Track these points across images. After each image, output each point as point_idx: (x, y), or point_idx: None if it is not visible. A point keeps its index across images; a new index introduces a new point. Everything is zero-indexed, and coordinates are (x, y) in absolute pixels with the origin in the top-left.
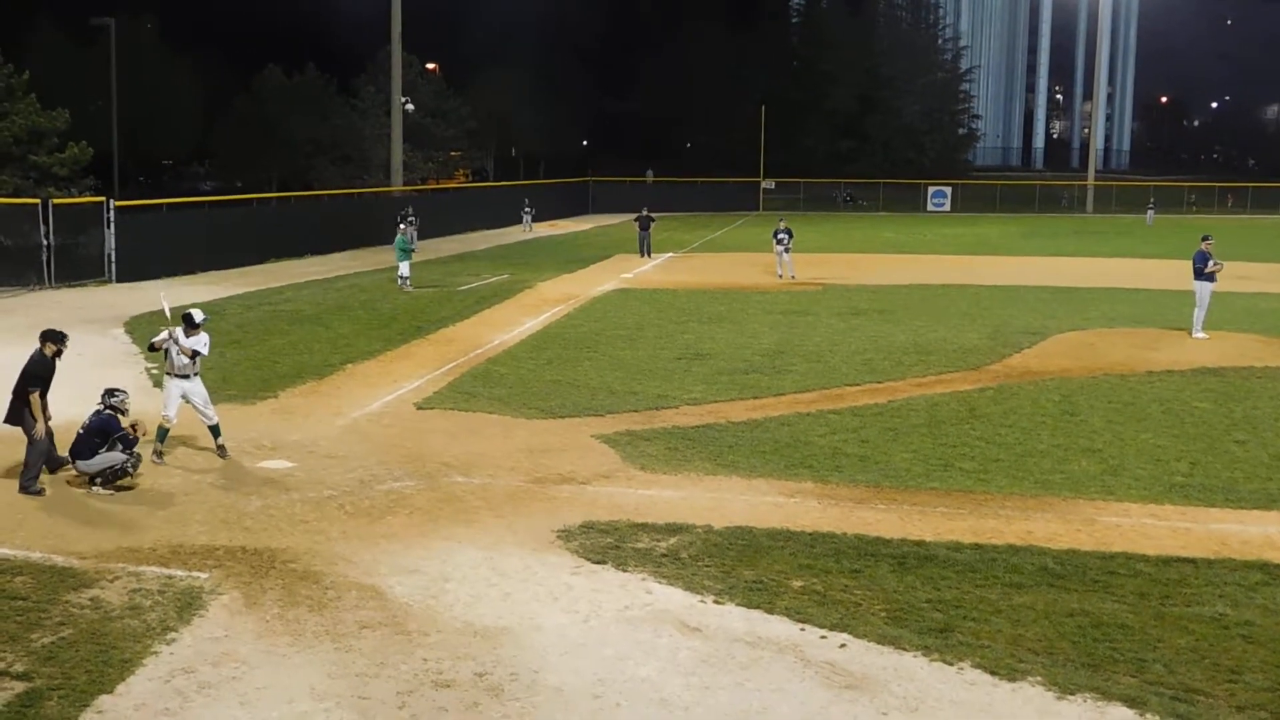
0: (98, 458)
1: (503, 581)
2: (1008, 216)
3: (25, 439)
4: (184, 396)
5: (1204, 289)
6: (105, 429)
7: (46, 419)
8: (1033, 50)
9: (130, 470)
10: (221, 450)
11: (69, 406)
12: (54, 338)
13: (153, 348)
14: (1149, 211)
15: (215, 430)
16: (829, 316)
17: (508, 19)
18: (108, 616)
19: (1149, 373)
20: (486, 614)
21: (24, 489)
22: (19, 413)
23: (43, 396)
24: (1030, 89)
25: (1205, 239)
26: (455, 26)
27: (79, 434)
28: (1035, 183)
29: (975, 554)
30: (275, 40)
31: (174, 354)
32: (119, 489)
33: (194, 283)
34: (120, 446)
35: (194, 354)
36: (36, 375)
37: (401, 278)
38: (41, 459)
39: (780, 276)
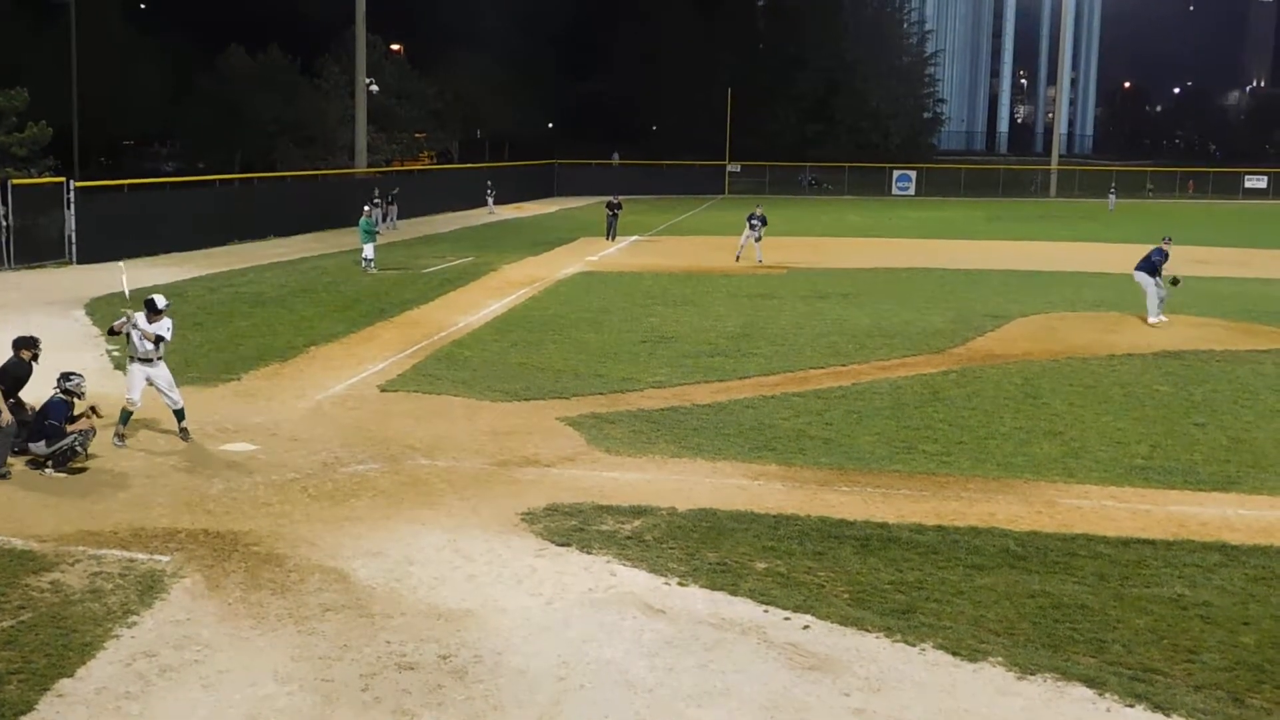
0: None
1: (467, 564)
2: (972, 200)
3: None
4: (148, 380)
5: (1147, 279)
6: (50, 413)
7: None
8: (997, 35)
9: (80, 450)
10: (184, 434)
11: (29, 391)
12: (27, 343)
13: (113, 332)
14: (1110, 196)
15: (180, 414)
16: (793, 300)
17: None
18: (68, 600)
19: (1110, 356)
20: (450, 596)
21: None
22: None
23: (9, 394)
24: (995, 74)
25: (1166, 240)
26: (420, 7)
27: (34, 416)
28: (999, 167)
29: (938, 536)
30: (238, 20)
31: (136, 339)
32: (71, 471)
33: (156, 264)
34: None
35: (158, 339)
36: (13, 376)
37: (365, 260)
38: (8, 448)
39: (738, 259)
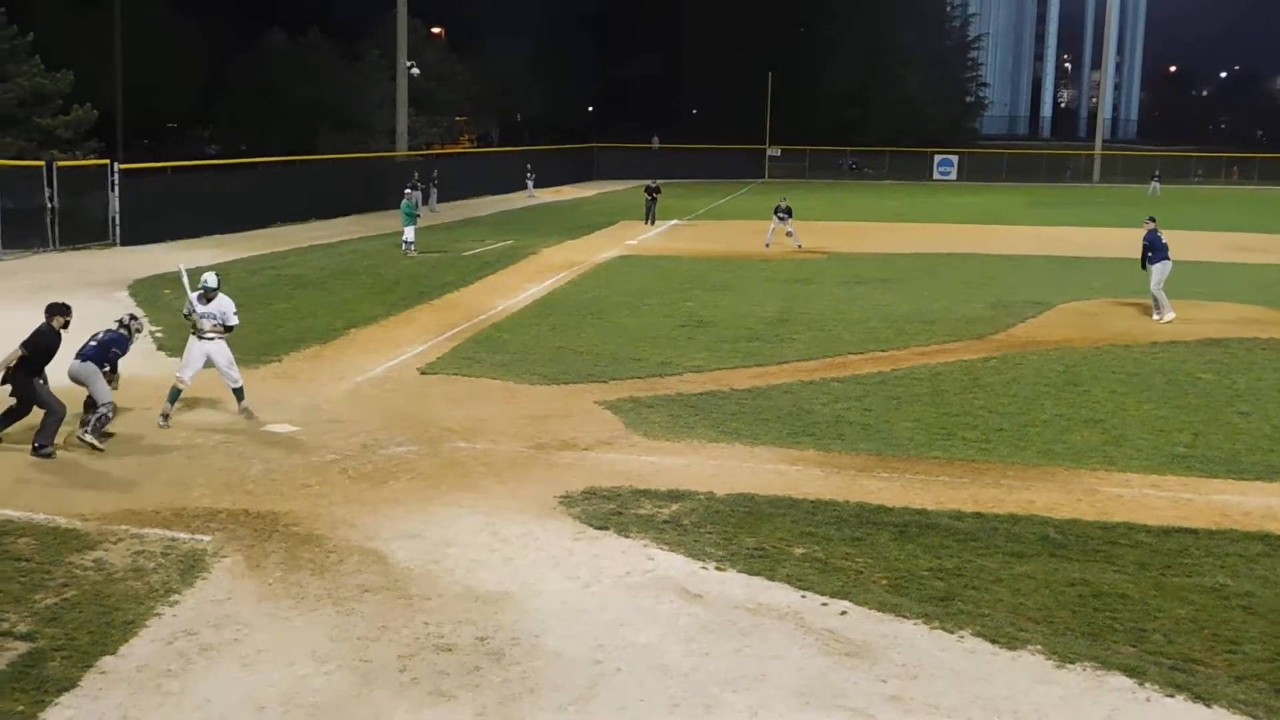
0: (98, 372)
1: (504, 547)
2: (1013, 185)
3: (42, 407)
4: (207, 358)
5: (1160, 269)
6: (114, 344)
7: (37, 379)
8: (1042, 19)
9: (110, 417)
10: (246, 413)
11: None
12: (60, 310)
13: (187, 318)
14: (1153, 183)
15: (239, 393)
16: (832, 285)
17: None
18: (110, 578)
19: (1152, 343)
20: (488, 579)
21: (36, 450)
22: (22, 382)
23: (37, 366)
24: (1039, 57)
25: (1151, 220)
26: None
27: (89, 344)
28: (1042, 151)
29: (977, 523)
30: (279, 3)
31: (197, 315)
32: (105, 435)
33: (197, 246)
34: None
35: (227, 329)
36: (40, 347)
37: (406, 243)
38: (58, 426)
39: (767, 245)
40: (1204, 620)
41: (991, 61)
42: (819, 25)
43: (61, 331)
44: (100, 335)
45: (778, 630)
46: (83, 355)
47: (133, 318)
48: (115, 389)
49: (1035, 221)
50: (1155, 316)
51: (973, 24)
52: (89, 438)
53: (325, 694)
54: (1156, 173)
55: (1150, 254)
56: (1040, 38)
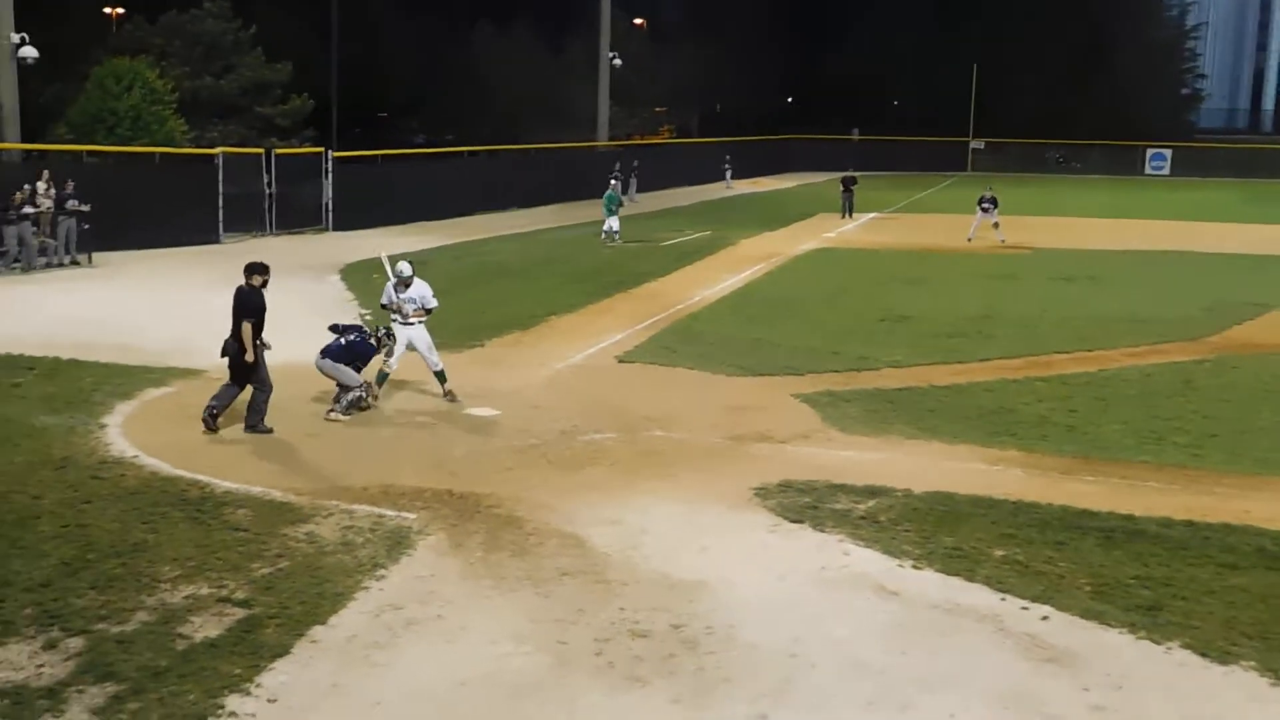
0: (341, 366)
1: (700, 536)
2: (1232, 181)
3: (251, 383)
4: (409, 343)
5: None
6: (359, 353)
7: (263, 347)
8: (1266, 8)
9: (365, 398)
10: (449, 396)
11: (290, 349)
12: (258, 269)
13: (385, 308)
14: None
15: (441, 376)
16: (1037, 281)
17: None
18: (322, 551)
19: None
20: (683, 567)
21: (251, 428)
22: (232, 347)
23: (257, 329)
24: (1261, 48)
25: None
26: None
27: (337, 342)
28: (1264, 146)
29: (1187, 531)
30: None
31: (399, 301)
32: (361, 409)
33: (405, 233)
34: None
35: (426, 311)
36: (247, 306)
37: (607, 232)
38: (267, 402)
39: (970, 240)
40: None
41: (1210, 52)
42: (1029, 14)
43: (263, 291)
44: (351, 338)
45: (976, 632)
46: (326, 352)
47: (388, 334)
48: (390, 368)
49: (1255, 219)
50: None
51: (1190, 13)
52: (335, 415)
53: (524, 673)
54: None
55: None
56: (1264, 26)
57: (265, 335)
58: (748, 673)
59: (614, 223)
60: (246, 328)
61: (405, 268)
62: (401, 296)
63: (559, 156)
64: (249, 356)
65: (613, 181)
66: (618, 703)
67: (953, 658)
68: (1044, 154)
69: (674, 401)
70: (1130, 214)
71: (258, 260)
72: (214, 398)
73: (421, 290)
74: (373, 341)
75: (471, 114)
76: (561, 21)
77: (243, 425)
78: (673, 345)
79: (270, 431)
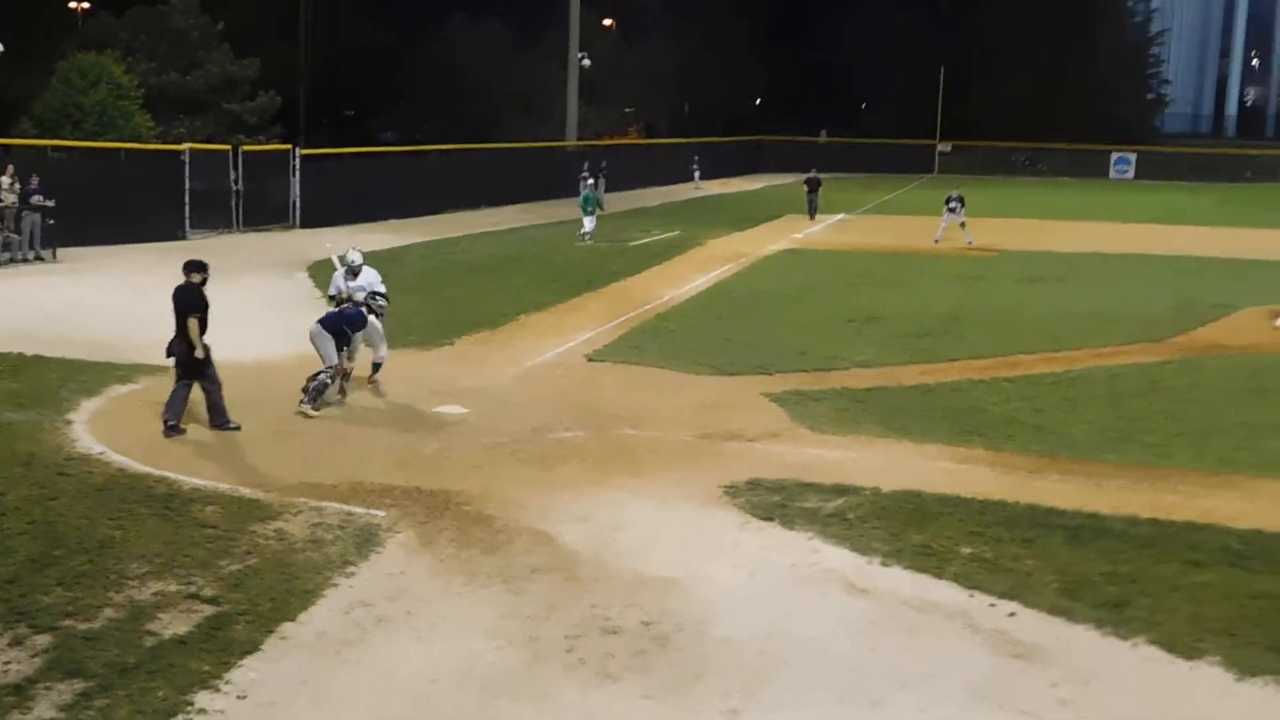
0: (326, 337)
1: (671, 533)
2: (1195, 185)
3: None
4: (364, 334)
5: None
6: (351, 317)
7: (205, 347)
8: (1229, 14)
9: (329, 384)
10: (375, 385)
11: (258, 346)
12: (197, 266)
13: (333, 299)
14: None
15: (378, 367)
16: (1005, 282)
17: None
18: (291, 548)
19: None
20: (655, 564)
21: (219, 426)
22: (179, 346)
23: (203, 325)
24: (1224, 53)
25: None
26: None
27: (332, 313)
28: (1226, 151)
29: (1153, 529)
30: None
31: (348, 290)
32: (319, 406)
33: (373, 230)
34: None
35: (382, 295)
36: (190, 303)
37: (587, 232)
38: (221, 394)
39: (937, 241)
40: None
41: (1174, 57)
42: (996, 19)
43: (203, 288)
44: (345, 307)
45: (945, 628)
46: (322, 321)
47: (373, 295)
48: (351, 363)
49: (1219, 222)
50: None
51: (1155, 19)
52: (305, 408)
53: (496, 669)
54: None
55: None
56: (1227, 31)
57: (210, 333)
58: (719, 669)
59: (589, 223)
60: (193, 324)
61: (355, 256)
62: (351, 285)
63: (529, 155)
64: (199, 353)
65: (589, 182)
66: (589, 699)
67: (922, 653)
68: (1010, 157)
69: (644, 400)
70: (1096, 216)
71: (196, 258)
72: (167, 409)
73: (370, 278)
74: (362, 309)
75: (441, 112)
76: (532, 20)
77: (208, 424)
78: (642, 344)
79: (239, 428)
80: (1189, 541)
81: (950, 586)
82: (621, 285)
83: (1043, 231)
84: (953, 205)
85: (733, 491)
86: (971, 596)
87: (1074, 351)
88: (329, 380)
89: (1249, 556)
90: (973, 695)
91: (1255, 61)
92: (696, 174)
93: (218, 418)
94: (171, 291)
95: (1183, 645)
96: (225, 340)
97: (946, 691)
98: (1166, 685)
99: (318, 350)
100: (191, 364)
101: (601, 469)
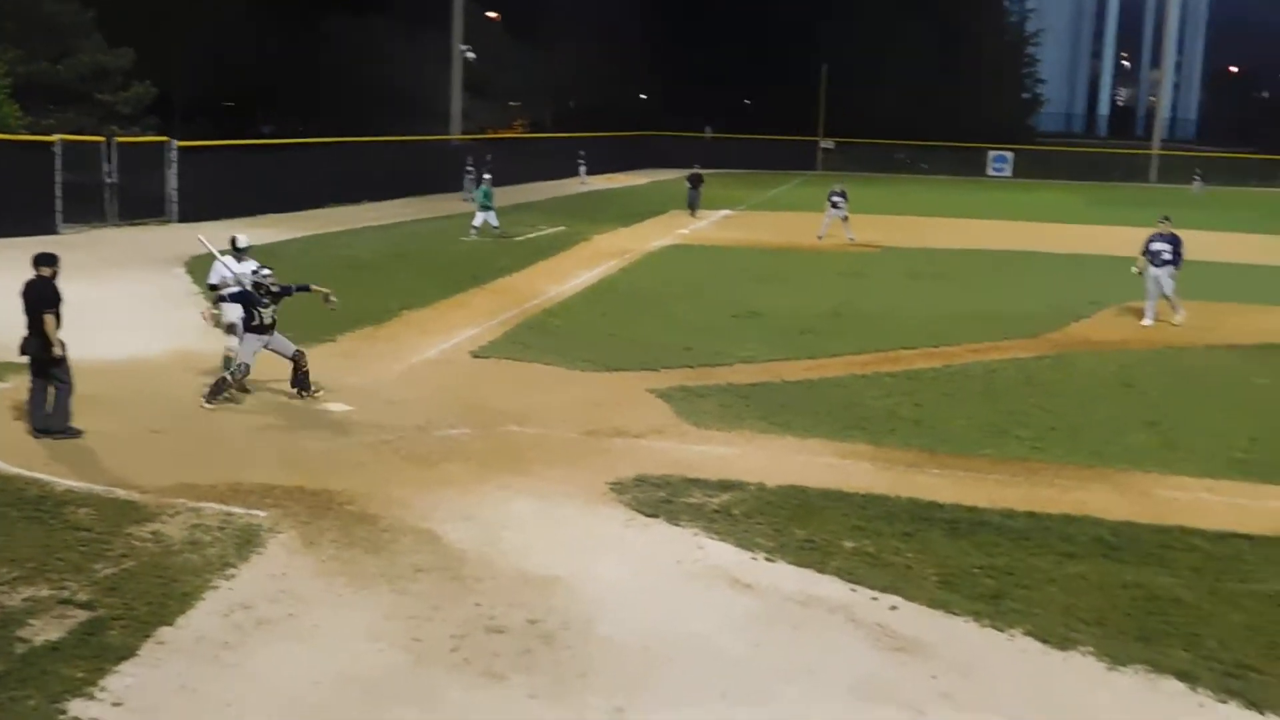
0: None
1: (556, 531)
2: (1070, 184)
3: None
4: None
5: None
6: (243, 298)
7: (62, 344)
8: (1100, 16)
9: (231, 382)
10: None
11: (134, 343)
12: (48, 260)
13: (215, 288)
14: (1196, 181)
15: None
16: (886, 279)
17: None
18: (168, 550)
19: (1208, 346)
20: (540, 563)
21: (60, 432)
22: (34, 344)
23: (58, 320)
24: (1096, 55)
25: (1164, 220)
26: None
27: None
28: (1099, 150)
29: (1029, 522)
30: None
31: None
32: (222, 401)
33: (254, 224)
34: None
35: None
36: (45, 297)
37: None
38: (70, 396)
39: (821, 238)
40: (1259, 627)
41: (1049, 57)
42: (877, 17)
43: (54, 282)
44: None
45: (829, 623)
46: (234, 297)
47: (263, 275)
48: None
49: (1092, 220)
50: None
51: (1030, 19)
52: (204, 404)
53: (379, 671)
54: (1198, 172)
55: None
56: (1098, 34)
57: (83, 331)
58: (605, 667)
59: (480, 219)
60: (49, 320)
61: (243, 239)
62: (238, 269)
63: (411, 149)
64: (56, 351)
65: (486, 177)
66: (475, 698)
67: (806, 648)
68: (893, 154)
69: (529, 396)
70: (975, 214)
71: (46, 251)
72: (31, 416)
73: (253, 264)
74: (262, 292)
75: (322, 106)
76: (415, 12)
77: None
78: (528, 340)
79: (80, 434)
80: (1063, 534)
81: (833, 581)
82: (507, 281)
83: (924, 228)
84: (835, 200)
85: (618, 488)
86: (854, 591)
87: (953, 347)
88: (231, 377)
89: (1119, 548)
90: (856, 689)
91: (1126, 62)
92: (582, 169)
93: (60, 419)
94: (21, 287)
95: (1057, 636)
96: (98, 338)
97: (830, 686)
98: (1042, 675)
99: (238, 347)
100: (46, 362)
101: (486, 467)
